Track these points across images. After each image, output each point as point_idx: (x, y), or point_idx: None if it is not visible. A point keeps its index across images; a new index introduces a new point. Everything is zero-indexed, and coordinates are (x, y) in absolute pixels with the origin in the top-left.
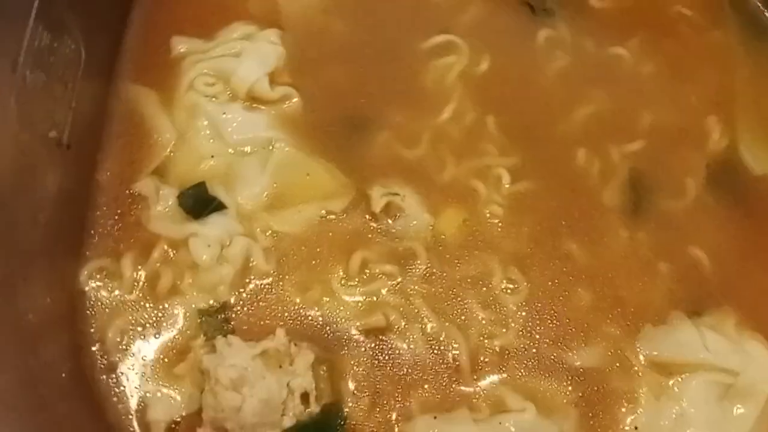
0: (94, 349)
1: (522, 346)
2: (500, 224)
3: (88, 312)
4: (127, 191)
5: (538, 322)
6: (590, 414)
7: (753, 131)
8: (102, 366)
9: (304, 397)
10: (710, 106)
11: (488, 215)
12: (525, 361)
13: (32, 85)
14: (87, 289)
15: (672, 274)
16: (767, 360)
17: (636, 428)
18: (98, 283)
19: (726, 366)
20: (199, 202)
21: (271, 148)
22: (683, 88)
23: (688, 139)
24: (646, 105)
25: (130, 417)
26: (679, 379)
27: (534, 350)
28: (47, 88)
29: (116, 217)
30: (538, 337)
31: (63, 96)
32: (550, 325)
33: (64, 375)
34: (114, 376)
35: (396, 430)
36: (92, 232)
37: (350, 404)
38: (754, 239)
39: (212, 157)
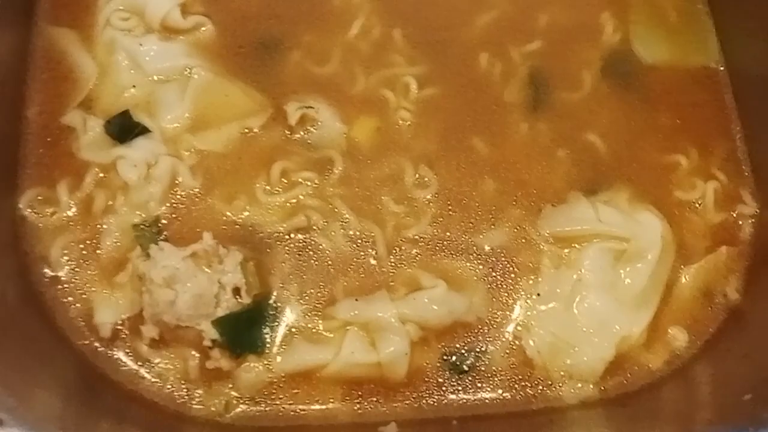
0: (38, 267)
1: (434, 233)
2: (409, 127)
3: (30, 235)
4: (56, 124)
5: (448, 210)
6: (497, 287)
7: (644, 24)
8: (48, 280)
9: (236, 291)
10: (604, 3)
11: (398, 120)
12: (437, 246)
13: None
14: (27, 215)
15: (569, 158)
16: (656, 227)
17: (538, 294)
18: (37, 210)
19: (618, 233)
20: (125, 129)
21: (188, 74)
22: None
23: (584, 35)
24: (543, 7)
25: (79, 323)
26: (577, 248)
27: (445, 236)
28: None
29: (48, 149)
30: (448, 224)
31: None
32: (460, 212)
33: (11, 293)
34: (60, 288)
35: (321, 312)
36: (25, 164)
37: (278, 294)
38: (643, 121)
39: (133, 87)
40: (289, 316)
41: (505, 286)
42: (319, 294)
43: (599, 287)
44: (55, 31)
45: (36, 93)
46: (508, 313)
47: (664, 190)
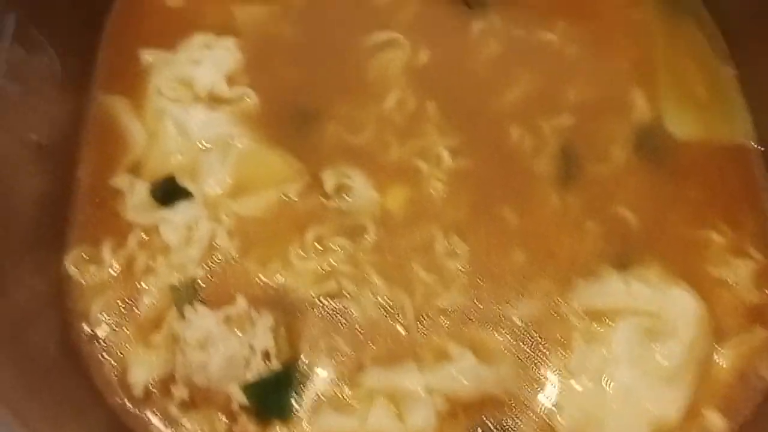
0: (79, 323)
1: (464, 303)
2: (441, 197)
3: (73, 292)
4: (104, 186)
5: (478, 280)
6: (527, 360)
7: (676, 101)
8: (87, 336)
9: (266, 355)
10: (634, 80)
11: (430, 189)
12: (466, 316)
13: (11, 93)
14: (71, 272)
15: (600, 231)
16: (689, 303)
17: (569, 370)
18: (82, 268)
19: (650, 309)
20: (169, 192)
21: (231, 141)
22: (608, 65)
23: (613, 110)
24: (572, 82)
25: (113, 380)
26: (608, 323)
27: (475, 306)
28: (24, 97)
29: (95, 209)
30: (478, 294)
31: (40, 104)
32: (490, 282)
33: (53, 348)
34: (98, 345)
35: (349, 380)
36: (74, 223)
37: (307, 359)
38: (675, 195)
39: (179, 153)
40: (316, 383)
41: (534, 360)
42: (347, 361)
43: (631, 364)
44: (109, 98)
45: (88, 155)
46: (537, 387)
47: (696, 265)
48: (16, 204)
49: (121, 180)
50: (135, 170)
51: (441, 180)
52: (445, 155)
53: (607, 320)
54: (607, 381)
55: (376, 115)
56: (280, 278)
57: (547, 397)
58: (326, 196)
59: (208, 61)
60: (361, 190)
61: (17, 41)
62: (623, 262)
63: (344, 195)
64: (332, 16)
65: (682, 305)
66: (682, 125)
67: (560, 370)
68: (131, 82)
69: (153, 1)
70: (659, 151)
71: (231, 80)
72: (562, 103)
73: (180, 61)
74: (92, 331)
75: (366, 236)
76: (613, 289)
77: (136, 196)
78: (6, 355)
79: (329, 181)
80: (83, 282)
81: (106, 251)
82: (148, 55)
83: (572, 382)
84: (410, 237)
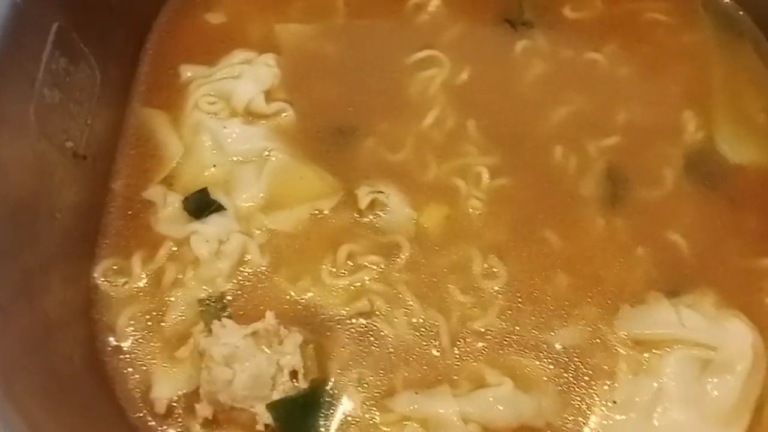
0: (105, 335)
1: (502, 326)
2: (480, 216)
3: (101, 303)
4: (138, 198)
5: (518, 303)
6: (569, 390)
7: (730, 124)
8: (111, 349)
9: (293, 374)
10: (686, 102)
11: (468, 208)
12: (505, 341)
13: (50, 100)
14: (100, 283)
15: (649, 257)
16: (746, 336)
17: (614, 402)
18: (111, 279)
19: (704, 341)
20: (201, 205)
21: (266, 156)
22: (659, 87)
23: (665, 132)
24: (621, 104)
25: (136, 395)
26: (658, 354)
27: (514, 330)
28: (64, 104)
29: (127, 221)
30: (517, 317)
31: (79, 113)
32: (530, 306)
33: (77, 359)
34: (122, 358)
35: (379, 404)
36: (105, 234)
37: (336, 380)
38: (730, 222)
39: (214, 166)
40: (345, 405)
41: (577, 390)
42: (378, 383)
43: (682, 399)
44: (148, 111)
45: (123, 167)
46: (581, 419)
47: (754, 297)
48: (48, 211)
49: (154, 192)
50: (169, 183)
51: (480, 199)
52: (485, 174)
53: (656, 351)
54: (656, 417)
55: (414, 133)
56: (310, 295)
57: (591, 431)
58: (360, 212)
59: (247, 76)
60: (397, 207)
61: (59, 50)
62: (675, 289)
63: (379, 212)
64: (374, 34)
65: (739, 338)
66: (739, 149)
67: (605, 402)
68: (170, 97)
69: (196, 17)
70: (713, 176)
71: (269, 96)
72: (610, 125)
73: (219, 75)
74: (117, 343)
75: (400, 254)
76: (664, 318)
77: (168, 208)
78: (28, 364)
79: (364, 196)
80: (112, 294)
81: (136, 263)
82: (188, 70)
83: (618, 416)
84: (446, 256)
